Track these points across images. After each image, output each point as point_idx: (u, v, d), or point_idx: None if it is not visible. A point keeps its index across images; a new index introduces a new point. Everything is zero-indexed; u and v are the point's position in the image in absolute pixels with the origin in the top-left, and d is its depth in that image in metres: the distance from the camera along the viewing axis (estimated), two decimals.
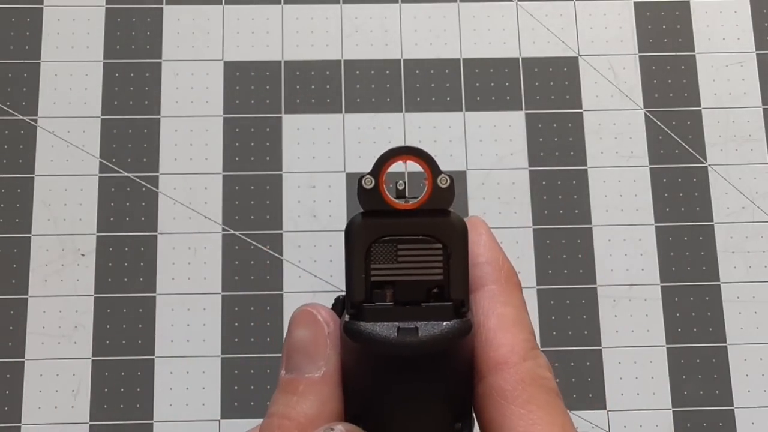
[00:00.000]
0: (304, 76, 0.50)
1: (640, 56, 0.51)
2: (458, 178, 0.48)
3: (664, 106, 0.50)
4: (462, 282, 0.25)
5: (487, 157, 0.49)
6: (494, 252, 0.27)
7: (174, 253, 0.48)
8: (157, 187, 0.48)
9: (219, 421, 0.46)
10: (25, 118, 0.49)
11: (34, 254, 0.47)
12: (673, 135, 0.50)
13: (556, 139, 0.50)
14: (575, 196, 0.49)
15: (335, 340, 0.26)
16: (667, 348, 0.47)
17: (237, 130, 0.49)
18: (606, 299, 0.48)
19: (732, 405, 0.47)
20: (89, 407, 0.46)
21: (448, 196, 0.25)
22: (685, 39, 0.51)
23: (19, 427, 0.45)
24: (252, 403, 0.46)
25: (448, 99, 0.50)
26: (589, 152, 0.50)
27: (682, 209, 0.49)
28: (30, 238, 0.48)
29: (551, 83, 0.51)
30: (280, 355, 0.27)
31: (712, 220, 0.49)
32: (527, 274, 0.48)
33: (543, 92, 0.50)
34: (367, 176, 0.25)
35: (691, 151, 0.50)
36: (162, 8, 0.51)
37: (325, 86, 0.50)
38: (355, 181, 0.46)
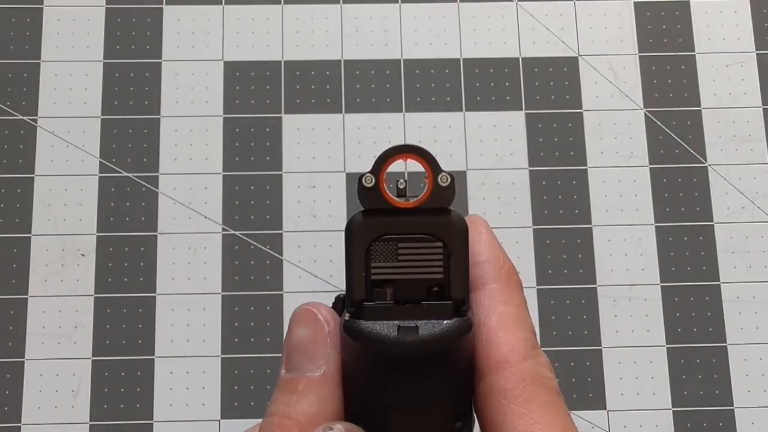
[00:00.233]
0: (304, 76, 0.50)
1: (640, 56, 0.51)
2: (458, 178, 0.48)
3: (664, 106, 0.50)
4: (462, 281, 0.25)
5: (487, 157, 0.49)
6: (495, 251, 0.27)
7: (174, 253, 0.48)
8: (157, 187, 0.48)
9: (219, 421, 0.46)
10: (25, 118, 0.49)
11: (34, 254, 0.47)
12: (673, 135, 0.50)
13: (556, 139, 0.50)
14: (575, 196, 0.49)
15: (335, 339, 0.26)
16: (667, 348, 0.47)
17: (237, 130, 0.49)
18: (606, 299, 0.48)
19: (732, 405, 0.47)
20: (89, 407, 0.46)
21: (449, 194, 0.25)
22: (685, 39, 0.51)
23: (19, 427, 0.45)
24: (252, 403, 0.46)
25: (448, 99, 0.50)
26: (589, 152, 0.50)
27: (682, 209, 0.49)
28: (30, 238, 0.48)
29: (551, 83, 0.51)
30: (280, 355, 0.27)
31: (712, 220, 0.49)
32: (527, 274, 0.48)
33: (543, 92, 0.50)
34: (368, 175, 0.25)
35: (691, 151, 0.50)
36: (162, 8, 0.51)
37: (325, 86, 0.50)
38: (355, 181, 0.45)
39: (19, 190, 0.48)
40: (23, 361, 0.46)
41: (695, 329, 0.48)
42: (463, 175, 0.49)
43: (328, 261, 0.48)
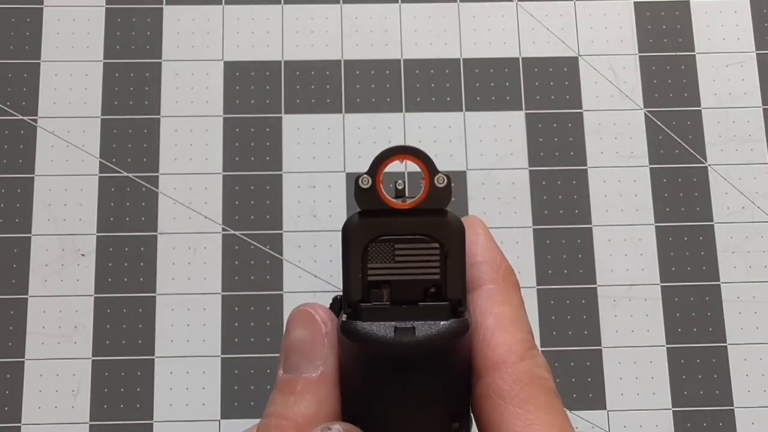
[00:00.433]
0: (304, 76, 0.50)
1: (640, 56, 0.51)
2: (458, 178, 0.48)
3: (664, 106, 0.50)
4: (459, 281, 0.25)
5: (487, 157, 0.49)
6: (492, 251, 0.27)
7: (174, 253, 0.48)
8: (157, 187, 0.48)
9: (219, 421, 0.46)
10: (25, 118, 0.49)
11: (34, 254, 0.47)
12: (673, 135, 0.50)
13: (556, 139, 0.50)
14: (575, 196, 0.49)
15: (333, 339, 0.26)
16: (667, 348, 0.47)
17: (237, 130, 0.49)
18: (606, 299, 0.48)
19: (732, 405, 0.47)
20: (89, 407, 0.46)
21: (446, 195, 0.25)
22: (685, 39, 0.51)
23: (19, 427, 0.45)
24: (252, 403, 0.46)
25: (448, 99, 0.50)
26: (589, 152, 0.50)
27: (682, 209, 0.49)
28: (30, 238, 0.48)
29: (551, 83, 0.51)
30: (279, 355, 0.27)
31: (712, 220, 0.49)
32: (527, 274, 0.48)
33: (543, 92, 0.50)
34: (364, 176, 0.25)
35: (691, 151, 0.50)
36: (162, 8, 0.51)
37: (325, 86, 0.50)
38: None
39: (19, 190, 0.48)
40: (23, 361, 0.46)
41: (695, 329, 0.48)
42: (463, 175, 0.49)
43: (328, 261, 0.48)
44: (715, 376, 0.47)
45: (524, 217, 0.49)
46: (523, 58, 0.51)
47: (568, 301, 0.48)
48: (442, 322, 0.24)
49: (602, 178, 0.49)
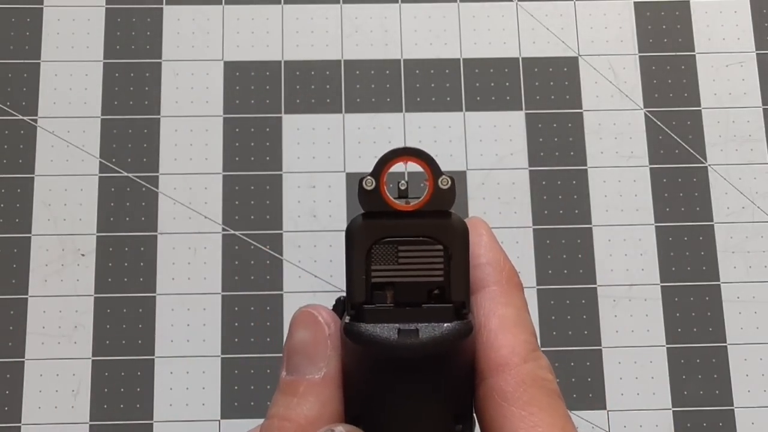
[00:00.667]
0: (304, 76, 0.50)
1: (640, 56, 0.51)
2: (458, 178, 0.48)
3: (664, 106, 0.50)
4: (463, 283, 0.25)
5: (487, 157, 0.49)
6: (495, 253, 0.27)
7: (174, 253, 0.48)
8: (157, 187, 0.48)
9: (219, 421, 0.46)
10: (25, 118, 0.49)
11: (34, 254, 0.47)
12: (673, 135, 0.50)
13: (556, 139, 0.50)
14: (575, 196, 0.49)
15: (336, 341, 0.26)
16: (667, 348, 0.47)
17: (237, 130, 0.49)
18: (606, 299, 0.48)
19: (732, 405, 0.47)
20: (89, 407, 0.46)
21: (449, 197, 0.25)
22: (685, 39, 0.51)
23: (19, 427, 0.45)
24: (252, 403, 0.46)
25: (448, 99, 0.50)
26: (589, 152, 0.50)
27: (682, 209, 0.49)
28: (30, 238, 0.48)
29: (551, 83, 0.51)
30: (280, 355, 0.27)
31: (712, 220, 0.49)
32: (527, 274, 0.48)
33: (543, 92, 0.50)
34: (368, 177, 0.25)
35: (691, 151, 0.50)
36: (162, 8, 0.51)
37: (325, 86, 0.50)
38: (355, 181, 0.45)
39: (19, 190, 0.48)
40: (23, 361, 0.46)
41: (695, 329, 0.48)
42: (463, 175, 0.49)
43: (328, 261, 0.48)
44: (715, 376, 0.47)
45: (524, 217, 0.49)
46: (523, 58, 0.51)
47: (568, 301, 0.48)
48: (445, 324, 0.24)
49: (602, 178, 0.49)
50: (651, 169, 0.49)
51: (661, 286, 0.48)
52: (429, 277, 0.25)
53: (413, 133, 0.49)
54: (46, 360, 0.46)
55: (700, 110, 0.50)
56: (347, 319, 0.25)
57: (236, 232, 0.48)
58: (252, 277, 0.48)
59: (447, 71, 0.50)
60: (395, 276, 0.25)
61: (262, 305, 0.47)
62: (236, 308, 0.47)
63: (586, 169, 0.49)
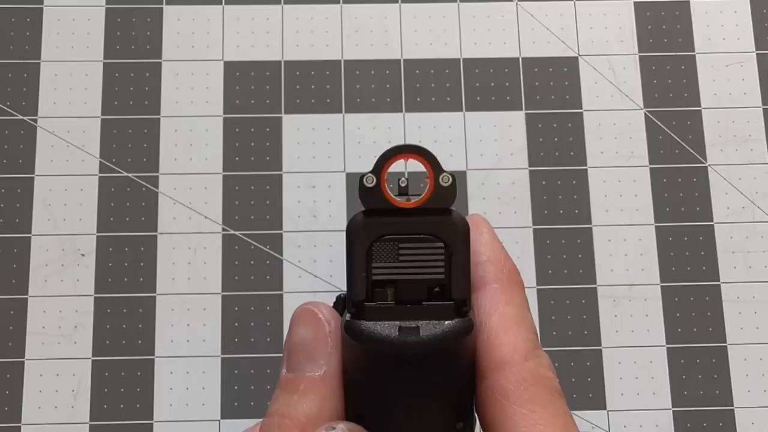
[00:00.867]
0: (304, 76, 0.50)
1: (640, 56, 0.51)
2: (458, 178, 0.48)
3: (664, 106, 0.50)
4: (464, 281, 0.25)
5: (487, 157, 0.49)
6: (496, 251, 0.27)
7: (174, 253, 0.48)
8: (157, 187, 0.48)
9: (219, 421, 0.46)
10: (25, 118, 0.49)
11: (34, 254, 0.47)
12: (673, 135, 0.50)
13: (556, 139, 0.50)
14: (575, 196, 0.49)
15: (336, 339, 0.26)
16: (667, 348, 0.47)
17: (237, 130, 0.49)
18: (606, 299, 0.48)
19: (732, 405, 0.47)
20: (89, 407, 0.46)
21: (450, 194, 0.25)
22: (685, 39, 0.51)
23: (19, 427, 0.45)
24: (252, 403, 0.46)
25: (448, 99, 0.50)
26: (589, 152, 0.50)
27: (682, 209, 0.49)
28: (30, 238, 0.48)
29: (551, 83, 0.51)
30: (280, 355, 0.27)
31: (712, 220, 0.49)
32: (527, 274, 0.48)
33: (543, 92, 0.50)
34: (369, 174, 0.25)
35: (691, 151, 0.50)
36: (162, 8, 0.51)
37: (325, 86, 0.50)
38: (355, 181, 0.45)
39: (19, 190, 0.48)
40: (23, 361, 0.46)
41: (695, 329, 0.48)
42: (463, 175, 0.49)
43: (328, 261, 0.48)
44: (715, 376, 0.47)
45: (524, 217, 0.49)
46: (523, 58, 0.51)
47: (568, 301, 0.48)
48: (446, 322, 0.24)
49: (602, 178, 0.49)
50: (651, 169, 0.50)
51: (661, 286, 0.48)
52: (430, 274, 0.25)
53: (413, 133, 0.49)
54: (46, 360, 0.46)
55: (700, 110, 0.50)
56: (348, 316, 0.25)
57: (236, 232, 0.48)
58: (252, 277, 0.47)
59: (447, 71, 0.50)
60: (396, 273, 0.25)
61: (262, 305, 0.47)
62: (236, 308, 0.47)
63: (586, 169, 0.49)
